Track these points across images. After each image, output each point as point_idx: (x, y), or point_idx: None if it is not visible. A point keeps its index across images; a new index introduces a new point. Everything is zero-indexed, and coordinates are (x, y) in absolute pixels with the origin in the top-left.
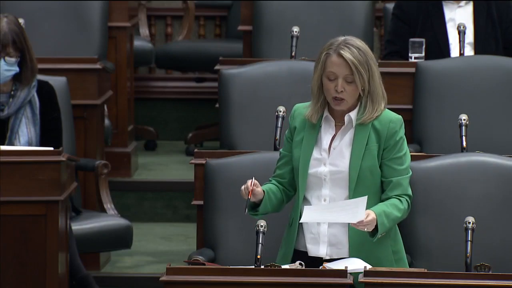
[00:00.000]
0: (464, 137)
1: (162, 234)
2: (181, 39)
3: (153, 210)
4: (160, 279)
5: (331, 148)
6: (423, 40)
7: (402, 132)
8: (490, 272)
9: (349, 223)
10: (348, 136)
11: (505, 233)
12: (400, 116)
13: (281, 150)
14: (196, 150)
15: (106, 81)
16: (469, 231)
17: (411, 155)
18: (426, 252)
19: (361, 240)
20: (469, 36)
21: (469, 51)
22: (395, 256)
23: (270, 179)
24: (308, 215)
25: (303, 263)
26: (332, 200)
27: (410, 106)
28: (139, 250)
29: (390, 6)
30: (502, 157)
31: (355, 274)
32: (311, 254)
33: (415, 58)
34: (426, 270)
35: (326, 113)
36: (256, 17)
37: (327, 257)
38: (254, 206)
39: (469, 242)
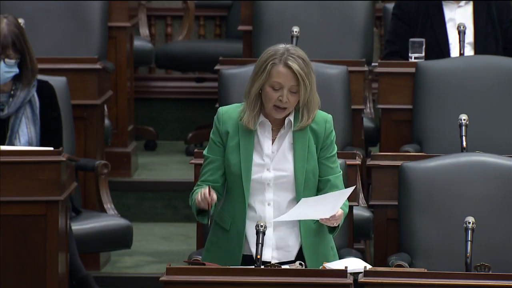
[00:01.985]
0: (464, 137)
1: (162, 234)
2: (181, 39)
3: (153, 210)
4: (160, 279)
5: (272, 153)
6: (423, 40)
7: (334, 131)
8: (490, 272)
9: (300, 224)
10: (288, 140)
11: (505, 233)
12: (331, 115)
13: (206, 153)
14: (196, 150)
15: (106, 81)
16: (469, 231)
17: (411, 155)
18: (426, 252)
19: (311, 241)
20: (469, 36)
21: (469, 51)
22: (332, 251)
23: (199, 183)
24: (292, 212)
25: (303, 263)
26: (277, 203)
27: (410, 106)
28: (139, 250)
29: (390, 6)
30: (502, 157)
31: (355, 274)
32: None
33: (415, 58)
34: (426, 270)
35: (261, 118)
36: (256, 17)
37: (275, 261)
38: (203, 212)
39: (469, 242)
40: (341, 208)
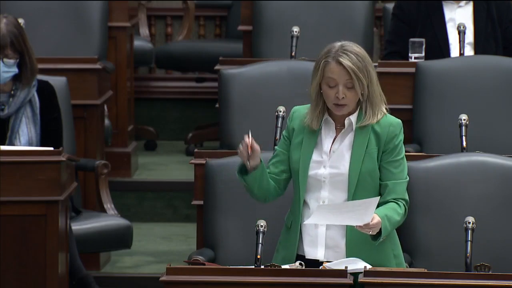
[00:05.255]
0: (464, 137)
1: (162, 234)
2: (181, 39)
3: (153, 210)
4: (160, 279)
5: (331, 151)
6: (423, 40)
7: (401, 136)
8: (490, 272)
9: (347, 226)
10: (348, 139)
11: (505, 233)
12: (399, 120)
13: (276, 147)
14: (196, 150)
15: (106, 81)
16: (469, 231)
17: (411, 155)
18: (426, 252)
19: (358, 243)
20: (469, 36)
21: (469, 51)
22: (396, 260)
23: None
24: (316, 217)
25: (303, 263)
26: (331, 202)
27: (410, 106)
28: (139, 250)
29: (390, 6)
30: (502, 157)
31: (355, 274)
32: (309, 257)
33: (415, 58)
34: (426, 270)
35: (326, 116)
36: (256, 17)
37: (325, 260)
38: (246, 171)
39: (469, 242)
40: (386, 215)
